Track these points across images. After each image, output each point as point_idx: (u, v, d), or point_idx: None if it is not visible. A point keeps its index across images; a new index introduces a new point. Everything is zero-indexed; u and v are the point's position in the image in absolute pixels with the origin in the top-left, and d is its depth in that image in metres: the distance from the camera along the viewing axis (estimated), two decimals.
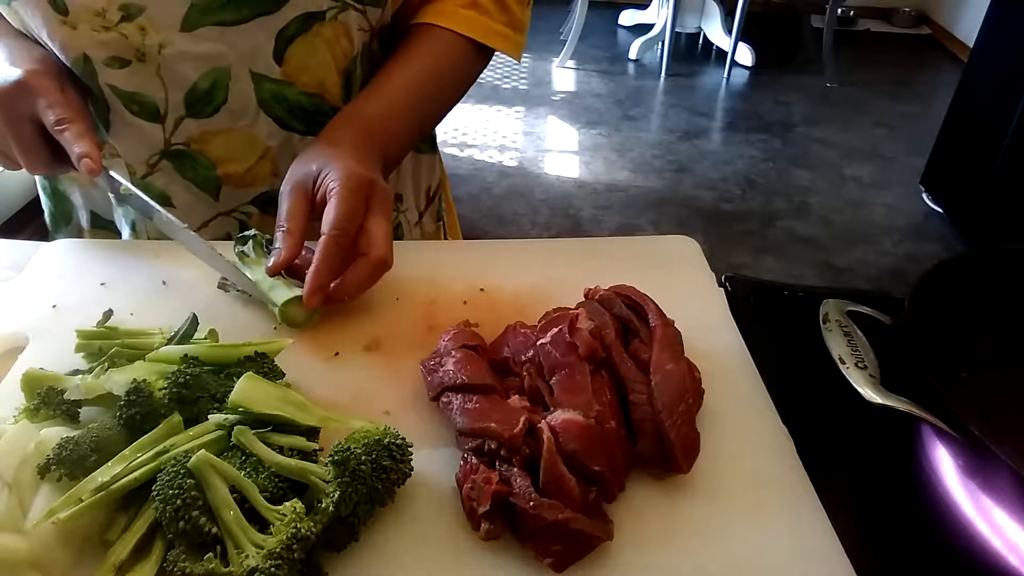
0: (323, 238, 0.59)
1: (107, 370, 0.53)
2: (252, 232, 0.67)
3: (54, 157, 0.66)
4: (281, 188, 0.64)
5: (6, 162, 0.68)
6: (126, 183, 0.64)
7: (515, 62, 4.14)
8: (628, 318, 0.59)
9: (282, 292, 0.61)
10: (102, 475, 0.45)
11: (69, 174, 0.82)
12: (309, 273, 0.59)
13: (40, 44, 0.67)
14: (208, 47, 0.67)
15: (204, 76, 0.69)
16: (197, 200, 0.77)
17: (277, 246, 0.62)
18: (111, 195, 0.78)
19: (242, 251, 0.66)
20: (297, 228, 0.62)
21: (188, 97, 0.70)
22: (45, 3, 0.63)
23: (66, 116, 0.63)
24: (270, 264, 0.62)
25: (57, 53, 0.67)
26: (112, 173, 0.64)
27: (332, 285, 0.60)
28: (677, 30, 4.04)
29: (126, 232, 0.82)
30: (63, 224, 0.86)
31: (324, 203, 0.61)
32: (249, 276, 0.63)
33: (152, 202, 0.64)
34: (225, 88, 0.70)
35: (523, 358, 0.56)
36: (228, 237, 0.78)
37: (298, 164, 0.65)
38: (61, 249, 0.73)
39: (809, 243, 2.70)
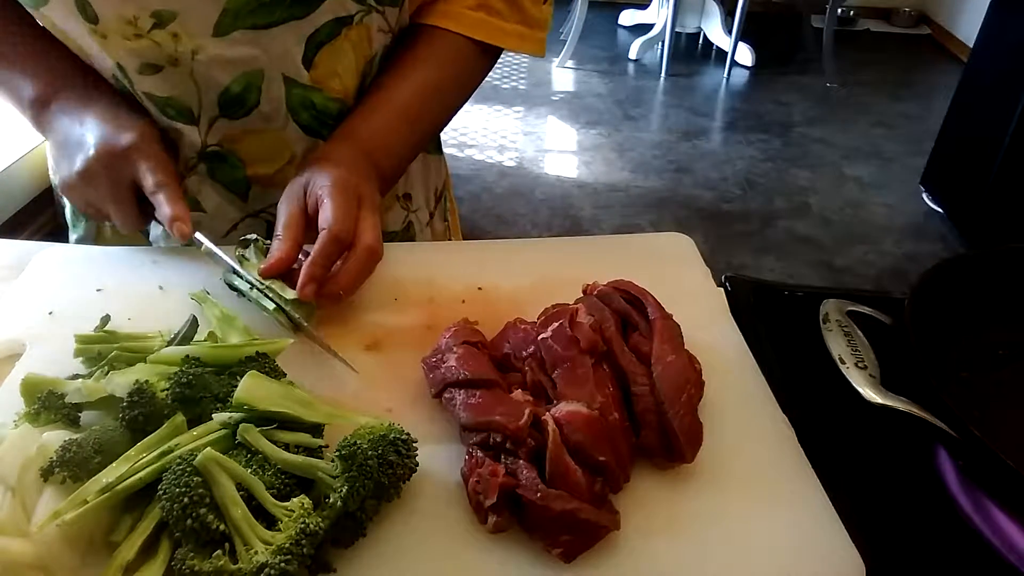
0: (322, 233, 0.60)
1: (107, 374, 0.53)
2: (253, 236, 0.67)
3: (143, 214, 0.67)
4: (279, 203, 0.65)
5: (97, 216, 0.70)
6: (208, 244, 0.65)
7: (515, 62, 4.17)
8: (627, 312, 0.59)
9: (279, 295, 0.61)
10: (107, 476, 0.45)
11: None
12: (304, 265, 0.60)
13: (81, 58, 0.68)
14: (241, 51, 0.66)
15: (237, 80, 0.68)
16: (226, 202, 0.77)
17: (273, 251, 0.63)
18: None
19: (243, 255, 0.66)
20: (292, 235, 0.63)
21: (221, 99, 0.70)
22: (75, 11, 0.63)
23: (163, 180, 0.64)
24: (264, 267, 0.62)
25: (95, 60, 0.67)
26: (197, 235, 0.65)
27: (327, 283, 0.61)
28: (677, 30, 4.04)
29: (156, 230, 0.81)
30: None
31: (317, 209, 0.62)
32: (247, 279, 0.64)
33: (233, 262, 0.65)
34: (258, 91, 0.70)
35: (524, 353, 0.56)
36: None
37: (292, 179, 0.67)
38: (57, 255, 0.72)
39: (809, 243, 2.70)
